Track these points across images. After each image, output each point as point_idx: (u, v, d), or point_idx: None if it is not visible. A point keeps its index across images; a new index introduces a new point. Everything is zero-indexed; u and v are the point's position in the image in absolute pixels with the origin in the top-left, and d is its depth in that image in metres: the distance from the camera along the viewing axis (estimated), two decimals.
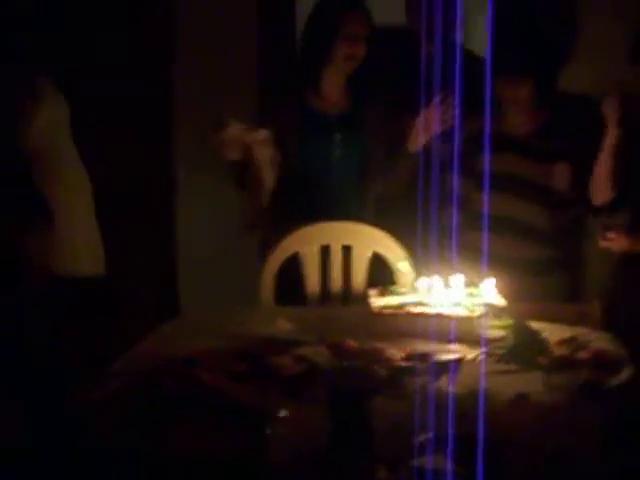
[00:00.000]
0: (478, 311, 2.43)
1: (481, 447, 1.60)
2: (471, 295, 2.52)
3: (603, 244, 2.70)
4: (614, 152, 2.79)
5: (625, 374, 2.08)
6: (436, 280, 2.54)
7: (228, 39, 3.54)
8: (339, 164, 3.06)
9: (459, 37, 3.09)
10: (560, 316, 2.53)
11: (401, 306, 2.49)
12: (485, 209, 2.84)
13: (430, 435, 1.70)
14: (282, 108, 3.03)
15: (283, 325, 2.52)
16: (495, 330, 2.34)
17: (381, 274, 2.92)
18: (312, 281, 2.97)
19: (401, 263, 2.88)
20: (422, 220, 2.66)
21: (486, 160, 2.87)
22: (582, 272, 3.22)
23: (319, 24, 3.03)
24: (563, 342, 2.30)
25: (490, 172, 2.91)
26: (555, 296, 3.02)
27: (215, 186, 3.33)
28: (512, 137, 3.06)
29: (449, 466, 1.64)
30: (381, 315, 2.47)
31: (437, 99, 2.88)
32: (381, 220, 3.05)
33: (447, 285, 2.54)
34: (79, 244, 2.71)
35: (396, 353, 2.22)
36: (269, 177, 2.86)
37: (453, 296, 2.50)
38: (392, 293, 2.60)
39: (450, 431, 1.66)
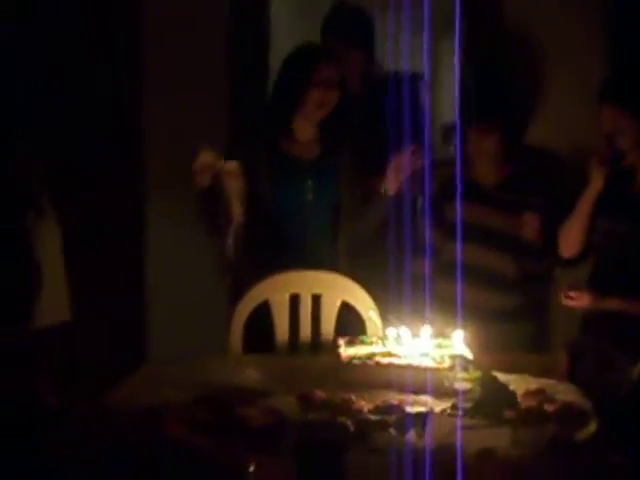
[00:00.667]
0: (446, 362, 2.43)
1: None
2: (440, 346, 2.53)
3: (565, 302, 2.76)
4: (590, 208, 2.82)
5: (591, 428, 2.10)
6: (404, 330, 2.55)
7: (198, 81, 3.54)
8: (312, 209, 3.07)
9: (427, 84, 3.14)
10: (527, 366, 2.55)
11: (370, 356, 2.49)
12: (456, 258, 2.85)
13: None
14: (253, 151, 3.04)
15: (252, 374, 2.51)
16: (462, 382, 2.35)
17: (350, 324, 2.92)
18: (282, 329, 2.96)
19: (371, 311, 2.88)
20: (393, 268, 2.67)
21: (458, 210, 2.89)
22: (549, 319, 3.25)
23: (292, 70, 3.05)
24: (530, 394, 2.31)
25: (460, 221, 2.93)
26: (522, 343, 3.05)
27: (186, 232, 3.31)
28: (480, 187, 3.10)
29: None
30: (350, 365, 2.47)
31: (407, 148, 2.91)
32: (353, 265, 3.05)
33: (416, 335, 2.55)
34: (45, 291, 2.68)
35: (365, 405, 2.23)
36: (237, 209, 2.85)
37: (421, 347, 2.51)
38: (361, 342, 2.60)
39: None
